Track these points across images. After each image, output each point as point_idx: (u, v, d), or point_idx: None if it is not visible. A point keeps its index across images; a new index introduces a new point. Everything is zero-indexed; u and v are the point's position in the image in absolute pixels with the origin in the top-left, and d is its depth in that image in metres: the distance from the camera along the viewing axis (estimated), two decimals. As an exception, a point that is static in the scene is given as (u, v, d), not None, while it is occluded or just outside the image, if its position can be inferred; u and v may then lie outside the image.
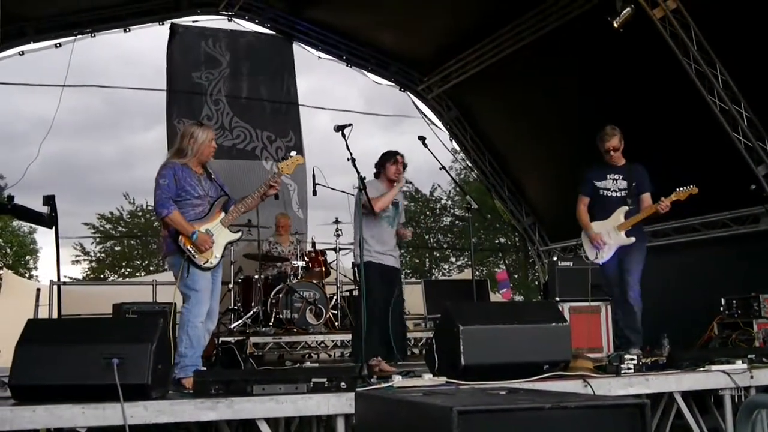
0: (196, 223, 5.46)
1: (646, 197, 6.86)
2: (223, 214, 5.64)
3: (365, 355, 5.96)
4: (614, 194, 6.88)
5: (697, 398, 5.67)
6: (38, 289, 10.08)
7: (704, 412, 5.71)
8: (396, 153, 6.74)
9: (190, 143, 5.59)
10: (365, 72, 13.14)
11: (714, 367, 5.58)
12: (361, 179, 6.20)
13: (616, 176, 6.92)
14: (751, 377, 5.50)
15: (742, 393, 5.44)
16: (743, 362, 5.66)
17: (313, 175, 8.63)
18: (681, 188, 6.72)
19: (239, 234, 5.75)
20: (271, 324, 8.80)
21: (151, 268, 29.08)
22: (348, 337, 8.89)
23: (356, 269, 6.78)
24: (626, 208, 6.83)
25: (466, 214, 7.23)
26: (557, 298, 8.05)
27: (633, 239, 6.78)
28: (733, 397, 5.46)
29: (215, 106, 12.05)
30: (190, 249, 5.38)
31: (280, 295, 8.93)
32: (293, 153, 6.17)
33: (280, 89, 12.64)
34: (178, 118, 11.62)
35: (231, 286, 9.30)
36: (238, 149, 12.01)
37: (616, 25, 8.95)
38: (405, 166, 6.74)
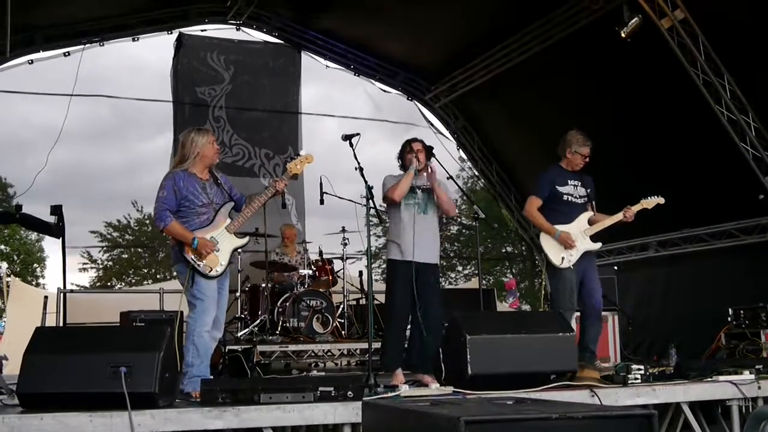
0: (200, 232, 5.46)
1: (593, 207, 6.73)
2: (228, 221, 5.63)
3: (386, 364, 5.96)
4: (577, 200, 6.67)
5: (705, 409, 5.66)
6: (46, 297, 10.08)
7: (712, 423, 5.69)
8: (412, 140, 6.52)
9: (192, 148, 5.62)
10: (373, 81, 13.16)
11: (721, 378, 5.56)
12: (369, 188, 6.19)
13: (575, 182, 6.71)
14: (759, 388, 5.49)
15: (749, 403, 5.43)
16: (751, 373, 5.64)
17: (321, 184, 8.63)
18: (648, 197, 6.65)
19: (246, 239, 5.73)
20: (277, 332, 8.80)
21: (158, 276, 29.08)
22: (354, 345, 8.89)
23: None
24: (590, 213, 6.66)
25: (474, 223, 7.22)
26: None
27: (599, 244, 6.60)
28: (741, 407, 5.45)
29: (216, 123, 12.10)
30: (194, 258, 5.38)
31: (287, 304, 8.93)
32: (302, 152, 6.13)
33: (284, 101, 12.66)
34: (184, 130, 11.66)
35: (238, 294, 9.30)
36: (237, 166, 12.06)
37: (623, 35, 8.95)
38: (430, 147, 6.47)
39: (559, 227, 6.50)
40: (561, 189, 6.62)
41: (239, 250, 5.87)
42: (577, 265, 6.48)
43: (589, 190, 6.68)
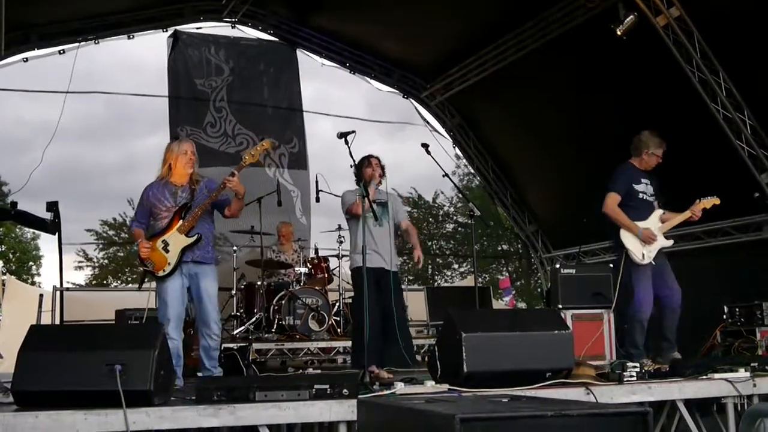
0: (157, 236, 5.87)
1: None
2: (180, 222, 5.86)
3: (362, 363, 6.05)
4: (649, 198, 6.94)
5: (700, 406, 5.66)
6: (41, 295, 10.08)
7: (707, 421, 5.70)
8: (369, 156, 6.82)
9: (168, 158, 6.02)
10: (368, 79, 13.15)
11: (717, 375, 5.56)
12: (365, 186, 6.23)
13: (647, 181, 6.99)
14: (754, 385, 5.49)
15: (744, 401, 5.43)
16: (746, 370, 5.64)
17: (316, 182, 8.64)
18: (708, 197, 6.96)
19: (194, 238, 5.86)
20: (273, 330, 8.80)
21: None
22: (349, 343, 8.87)
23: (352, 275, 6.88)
24: (661, 211, 6.94)
25: (469, 221, 7.22)
26: (560, 306, 8.04)
27: (672, 241, 6.96)
28: (736, 405, 5.45)
29: (218, 114, 12.07)
30: (144, 261, 5.91)
31: (283, 302, 8.93)
32: (264, 140, 6.34)
33: (284, 96, 12.66)
34: (181, 125, 11.66)
35: (234, 292, 9.30)
36: (241, 156, 12.00)
37: (619, 33, 8.96)
38: (382, 167, 6.78)
39: (639, 224, 6.76)
40: (636, 187, 6.89)
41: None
42: (654, 260, 6.78)
43: (656, 189, 6.97)
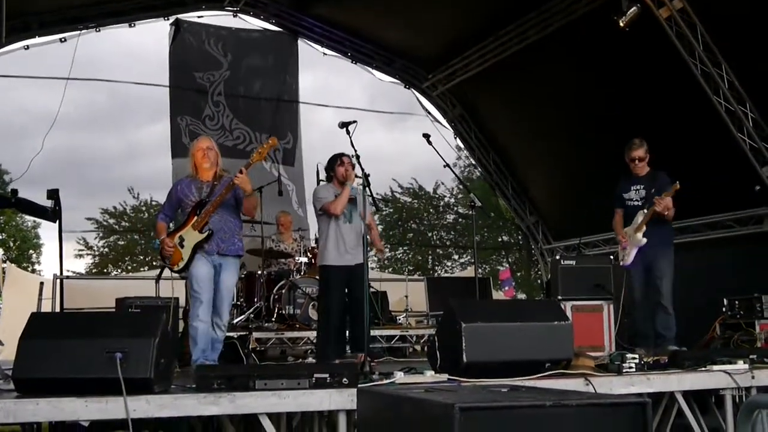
0: (175, 232, 6.07)
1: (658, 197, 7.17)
2: (195, 218, 6.03)
3: (325, 355, 6.63)
4: (636, 203, 7.39)
5: (699, 398, 5.67)
6: (41, 283, 10.08)
7: (705, 412, 5.71)
8: (341, 154, 6.98)
9: (192, 158, 6.25)
10: (370, 69, 13.13)
11: (715, 367, 5.57)
12: (366, 176, 6.22)
13: (638, 186, 7.40)
14: (753, 377, 5.51)
15: (743, 393, 5.45)
16: (745, 362, 5.66)
17: (317, 172, 8.63)
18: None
19: (206, 233, 6.01)
20: (273, 319, 8.80)
21: (154, 263, 28.96)
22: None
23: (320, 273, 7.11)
24: (644, 212, 7.27)
25: (470, 212, 7.24)
26: (560, 297, 8.05)
27: (645, 240, 7.21)
28: (734, 397, 5.47)
29: (216, 108, 12.10)
30: (163, 257, 6.12)
31: (283, 291, 8.94)
32: (271, 137, 6.48)
33: (282, 88, 12.65)
34: (181, 116, 11.67)
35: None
36: (238, 150, 12.05)
37: (621, 24, 8.93)
38: (353, 165, 6.84)
39: (625, 230, 7.42)
40: (625, 195, 7.50)
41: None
42: (640, 260, 7.28)
43: (653, 190, 7.25)
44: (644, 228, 7.23)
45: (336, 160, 7.00)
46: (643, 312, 7.38)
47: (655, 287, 7.25)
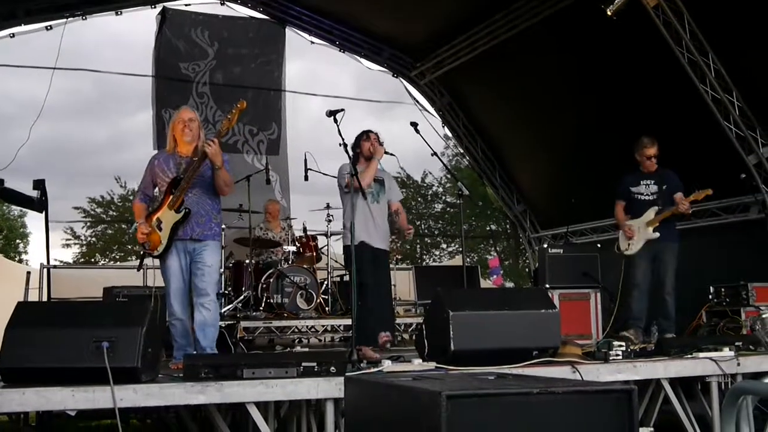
0: (152, 215, 5.76)
1: (678, 196, 7.48)
2: (171, 197, 5.71)
3: (358, 341, 6.04)
4: (646, 197, 7.69)
5: (685, 385, 5.72)
6: (28, 273, 10.04)
7: (691, 399, 5.76)
8: (368, 131, 6.86)
9: (171, 130, 5.94)
10: (358, 57, 13.09)
11: (701, 355, 5.63)
12: (354, 165, 6.22)
13: (648, 182, 7.71)
14: (738, 364, 5.56)
15: (728, 380, 5.50)
16: (730, 350, 5.70)
17: (305, 160, 8.60)
18: (698, 190, 7.43)
19: (182, 213, 5.69)
20: (261, 309, 8.80)
21: (141, 253, 28.88)
22: (337, 321, 8.90)
23: (346, 252, 6.77)
24: (656, 207, 7.58)
25: (458, 201, 7.25)
26: (547, 285, 8.09)
27: (657, 234, 7.51)
28: (720, 383, 5.52)
29: (200, 99, 12.01)
30: (142, 243, 5.79)
31: (271, 280, 8.93)
32: (237, 104, 6.15)
33: (268, 78, 12.56)
34: (165, 108, 11.56)
35: (222, 270, 9.28)
36: (221, 142, 11.96)
37: (609, 13, 8.92)
38: (381, 142, 6.77)
39: (629, 221, 7.72)
40: (633, 189, 7.78)
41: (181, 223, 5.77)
42: (646, 251, 7.57)
43: (665, 186, 7.61)
44: (657, 224, 7.51)
45: (362, 136, 6.81)
46: (640, 297, 7.57)
47: (659, 279, 7.53)
